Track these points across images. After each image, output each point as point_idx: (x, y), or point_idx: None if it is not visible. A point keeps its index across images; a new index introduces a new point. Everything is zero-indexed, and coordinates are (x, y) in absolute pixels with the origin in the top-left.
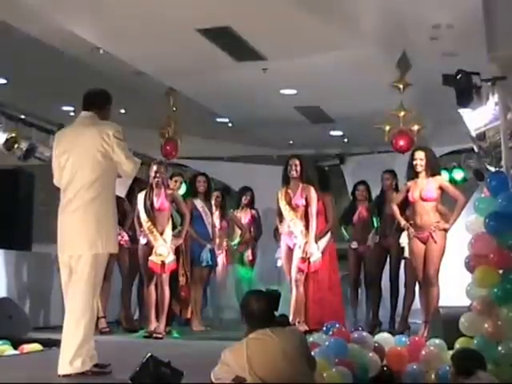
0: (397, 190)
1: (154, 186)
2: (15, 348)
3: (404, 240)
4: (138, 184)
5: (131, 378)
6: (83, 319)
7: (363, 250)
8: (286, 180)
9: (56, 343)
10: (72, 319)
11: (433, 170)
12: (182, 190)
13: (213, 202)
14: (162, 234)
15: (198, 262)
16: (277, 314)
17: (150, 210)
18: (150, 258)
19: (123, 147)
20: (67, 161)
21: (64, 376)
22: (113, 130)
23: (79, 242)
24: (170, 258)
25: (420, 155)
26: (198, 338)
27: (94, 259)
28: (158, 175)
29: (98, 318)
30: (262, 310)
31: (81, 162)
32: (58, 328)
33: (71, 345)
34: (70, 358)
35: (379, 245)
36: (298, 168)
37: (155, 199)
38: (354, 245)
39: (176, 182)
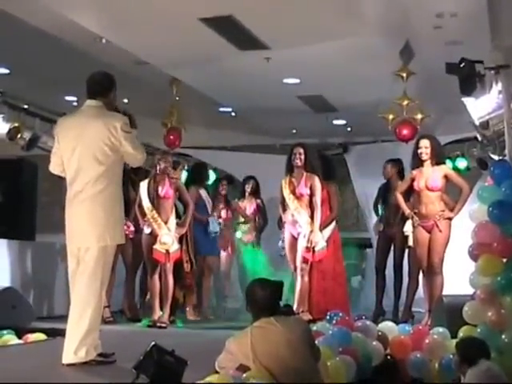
0: (402, 178)
1: (158, 174)
2: (19, 337)
3: (408, 228)
4: (140, 173)
5: (135, 367)
6: (89, 309)
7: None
8: (290, 169)
9: (60, 333)
10: (78, 309)
11: (438, 158)
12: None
13: (222, 192)
14: (166, 222)
15: (203, 250)
16: (281, 303)
17: (155, 199)
18: (154, 246)
19: (131, 139)
20: (73, 154)
21: (68, 365)
22: (120, 122)
23: (88, 234)
24: (174, 247)
25: (425, 143)
26: (202, 327)
27: (103, 251)
28: (167, 165)
29: (102, 308)
30: (266, 298)
31: (88, 155)
32: (62, 317)
33: (76, 334)
34: (75, 347)
35: (383, 233)
36: (303, 157)
37: (160, 188)
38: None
39: (179, 170)
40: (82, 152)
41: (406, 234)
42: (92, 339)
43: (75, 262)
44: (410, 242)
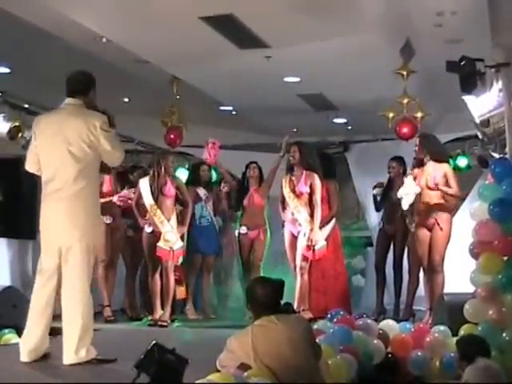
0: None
1: (160, 173)
2: (20, 337)
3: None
4: (136, 172)
5: (136, 366)
6: (82, 308)
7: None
8: (291, 167)
9: (61, 331)
10: (71, 310)
11: (436, 156)
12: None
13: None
14: (168, 220)
15: (199, 249)
16: (281, 302)
17: (159, 197)
18: (158, 244)
19: (110, 138)
20: (51, 151)
21: (70, 365)
22: (100, 121)
23: (69, 233)
24: (177, 245)
25: (416, 141)
26: (203, 326)
27: (86, 250)
28: (165, 163)
29: (103, 307)
30: (267, 296)
31: (66, 153)
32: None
33: (74, 334)
34: (75, 347)
35: (383, 231)
36: (297, 155)
37: (162, 186)
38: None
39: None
40: (60, 150)
41: (399, 196)
42: (89, 337)
43: (53, 261)
44: (404, 206)
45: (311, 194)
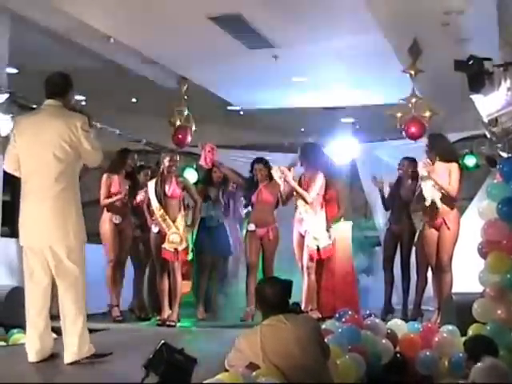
0: (414, 177)
1: (165, 174)
2: None
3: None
4: (142, 172)
5: (145, 365)
6: (81, 307)
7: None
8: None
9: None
10: (73, 309)
11: (445, 155)
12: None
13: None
14: (174, 221)
15: (207, 250)
16: (289, 302)
17: (162, 198)
18: (163, 245)
19: (90, 138)
20: (31, 151)
21: (72, 363)
22: (81, 121)
23: (51, 233)
24: (183, 246)
25: (425, 141)
26: (211, 325)
27: (72, 248)
28: (172, 164)
29: (111, 307)
30: (275, 296)
31: (47, 153)
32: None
33: (75, 333)
34: (77, 345)
35: (390, 230)
36: (301, 156)
37: (166, 187)
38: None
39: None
40: (41, 150)
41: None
42: (87, 334)
43: (38, 262)
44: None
45: (319, 194)
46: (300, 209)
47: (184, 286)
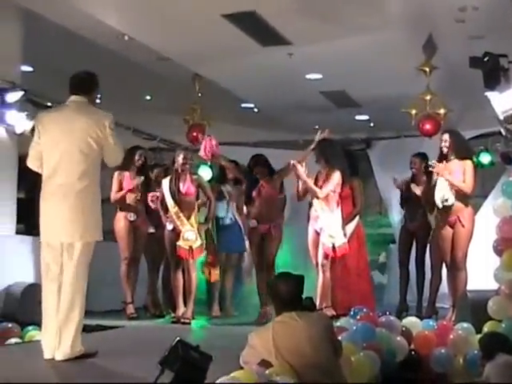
0: (427, 173)
1: (179, 171)
2: None
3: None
4: (156, 169)
5: (160, 362)
6: (77, 305)
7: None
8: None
9: (86, 328)
10: (66, 305)
11: (461, 153)
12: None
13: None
14: (188, 219)
15: (221, 247)
16: (302, 297)
17: (177, 196)
18: (177, 243)
19: (115, 138)
20: (57, 148)
21: (64, 361)
22: (109, 120)
23: (72, 230)
24: (197, 243)
25: (445, 137)
26: (225, 322)
27: (87, 247)
28: (186, 162)
29: (125, 304)
30: (289, 292)
31: (74, 150)
32: (88, 313)
33: (69, 330)
34: (71, 342)
35: (405, 228)
36: (318, 152)
37: (181, 185)
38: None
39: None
40: (67, 146)
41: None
42: (80, 334)
43: (57, 259)
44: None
45: (334, 192)
46: (315, 206)
47: (214, 275)
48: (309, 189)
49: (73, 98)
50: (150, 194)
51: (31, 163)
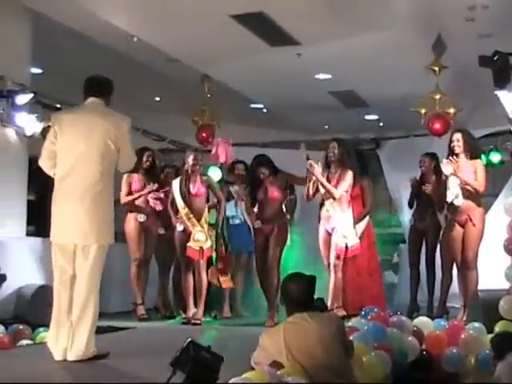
0: (436, 172)
1: (189, 172)
2: None
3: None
4: (166, 170)
5: (172, 363)
6: (91, 306)
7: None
8: (328, 165)
9: (97, 330)
10: (80, 307)
11: (471, 152)
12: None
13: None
14: (199, 220)
15: (235, 249)
16: (314, 297)
17: (187, 197)
18: (188, 244)
19: (131, 142)
20: (75, 149)
21: (76, 362)
22: (128, 124)
23: (87, 232)
24: (207, 244)
25: (457, 137)
26: (236, 323)
27: (102, 250)
28: (196, 163)
29: (136, 305)
30: (301, 293)
31: (93, 152)
32: (99, 314)
33: (84, 332)
34: (85, 342)
35: (415, 227)
36: (336, 151)
37: (191, 186)
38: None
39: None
40: (85, 148)
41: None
42: (93, 335)
43: (70, 261)
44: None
45: (346, 192)
46: (327, 206)
47: (224, 282)
48: (326, 189)
49: (90, 99)
50: (152, 195)
51: (44, 163)
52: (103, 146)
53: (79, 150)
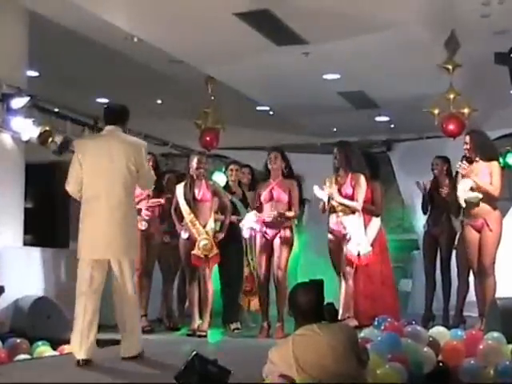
0: (449, 175)
1: (194, 177)
2: (54, 349)
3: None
4: (167, 176)
5: (176, 377)
6: (138, 312)
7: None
8: (336, 168)
9: (99, 342)
10: (135, 311)
11: (485, 154)
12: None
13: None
14: (204, 226)
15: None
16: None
17: (192, 202)
18: (192, 252)
19: (148, 163)
20: (100, 172)
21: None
22: (145, 147)
23: (120, 248)
24: (213, 252)
25: (466, 139)
26: (243, 335)
27: (131, 263)
28: (200, 166)
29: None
30: (310, 303)
31: (117, 176)
32: (101, 327)
33: (139, 330)
34: (137, 342)
35: (428, 233)
36: (338, 156)
37: (196, 191)
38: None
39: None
40: (110, 172)
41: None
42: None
43: (101, 275)
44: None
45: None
46: (338, 212)
47: (254, 304)
48: (350, 207)
49: (109, 127)
50: (151, 201)
51: (72, 188)
52: (125, 169)
53: (104, 175)
